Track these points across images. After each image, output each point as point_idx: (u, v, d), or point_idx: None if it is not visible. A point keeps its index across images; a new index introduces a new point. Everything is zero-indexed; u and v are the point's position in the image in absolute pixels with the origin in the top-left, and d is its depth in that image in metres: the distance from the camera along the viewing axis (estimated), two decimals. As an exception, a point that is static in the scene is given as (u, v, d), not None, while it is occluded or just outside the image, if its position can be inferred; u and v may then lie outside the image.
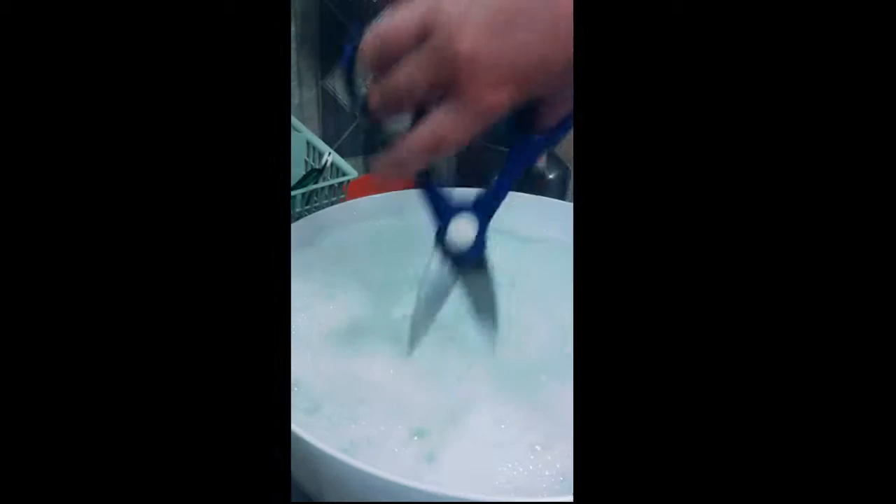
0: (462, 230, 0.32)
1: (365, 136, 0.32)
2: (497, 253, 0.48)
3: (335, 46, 0.71)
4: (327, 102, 0.73)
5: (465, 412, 0.35)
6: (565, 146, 0.74)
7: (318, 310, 0.41)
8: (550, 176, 0.57)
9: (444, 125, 0.27)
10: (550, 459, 0.32)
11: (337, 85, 0.73)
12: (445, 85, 0.27)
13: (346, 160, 0.62)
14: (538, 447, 0.33)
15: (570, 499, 0.27)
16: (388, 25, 0.28)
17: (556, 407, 0.35)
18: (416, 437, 0.33)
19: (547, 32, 0.26)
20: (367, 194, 0.51)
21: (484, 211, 0.32)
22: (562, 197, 0.58)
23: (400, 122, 0.30)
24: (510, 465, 0.32)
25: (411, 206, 0.51)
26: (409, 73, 0.27)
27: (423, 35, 0.27)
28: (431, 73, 0.27)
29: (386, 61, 0.28)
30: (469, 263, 0.33)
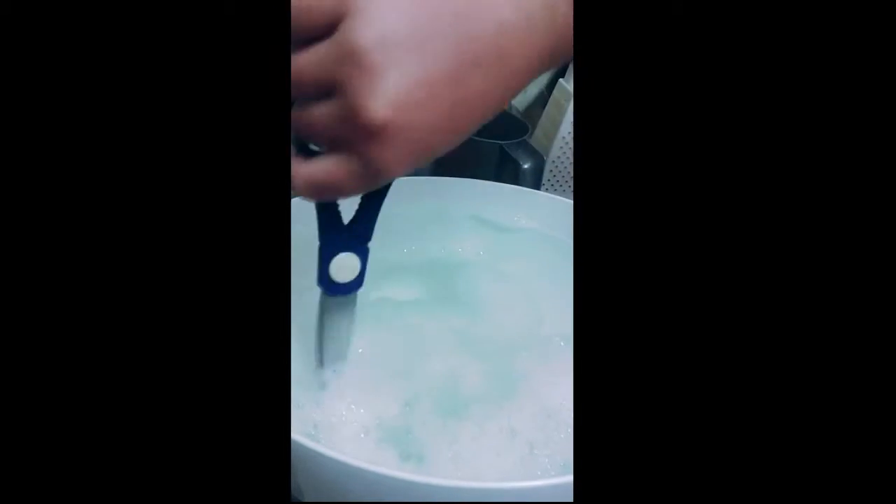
0: (345, 265, 0.31)
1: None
2: (475, 240, 0.48)
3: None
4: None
5: (435, 396, 0.34)
6: (540, 138, 0.74)
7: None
8: (525, 166, 0.57)
9: (338, 173, 0.25)
10: (530, 442, 0.32)
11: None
12: (336, 91, 0.23)
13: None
14: (514, 430, 0.33)
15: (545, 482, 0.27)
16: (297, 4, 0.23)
17: (533, 389, 0.35)
18: (380, 424, 0.33)
19: (456, 111, 0.24)
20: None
21: (364, 250, 0.32)
22: (536, 187, 0.58)
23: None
24: (484, 450, 0.32)
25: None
26: (309, 73, 0.24)
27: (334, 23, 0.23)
28: (327, 87, 0.24)
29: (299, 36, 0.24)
30: (344, 294, 0.33)
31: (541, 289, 0.44)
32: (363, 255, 0.31)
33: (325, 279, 0.31)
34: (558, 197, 0.51)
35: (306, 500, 0.31)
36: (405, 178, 0.55)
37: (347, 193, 0.26)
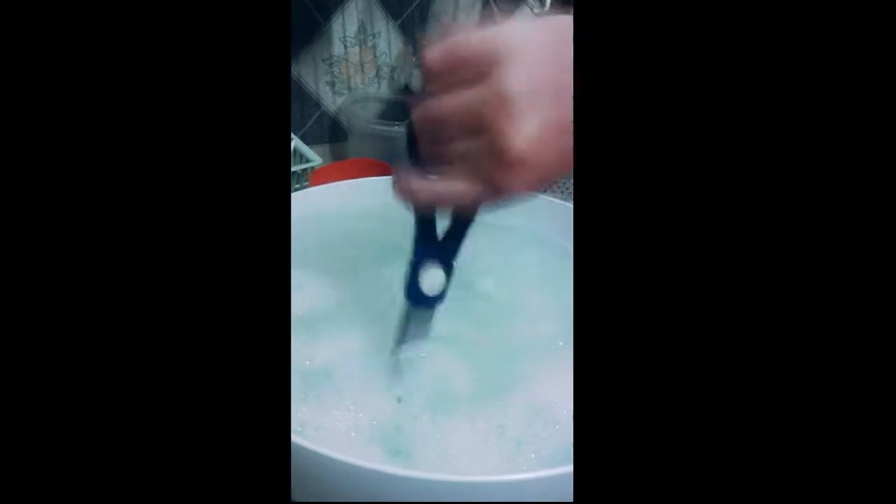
0: (433, 277, 0.34)
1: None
2: (470, 239, 0.48)
3: (300, 31, 0.70)
4: (291, 88, 0.72)
5: (424, 393, 0.35)
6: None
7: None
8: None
9: (466, 190, 0.29)
10: (517, 438, 0.33)
11: (301, 71, 0.72)
12: (480, 135, 0.28)
13: (310, 148, 0.61)
14: (501, 427, 0.33)
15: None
16: (456, 46, 0.28)
17: (521, 387, 0.35)
18: (368, 422, 0.33)
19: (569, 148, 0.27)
20: (332, 181, 0.51)
21: (450, 267, 0.34)
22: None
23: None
24: (472, 446, 0.32)
25: (375, 193, 0.52)
26: (453, 111, 0.28)
27: (482, 69, 0.27)
28: (474, 126, 0.27)
29: (442, 79, 0.28)
30: (428, 307, 0.35)
31: (535, 289, 0.44)
32: (448, 271, 0.34)
33: (413, 291, 0.34)
34: (554, 199, 0.51)
35: (296, 496, 0.31)
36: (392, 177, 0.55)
37: (470, 208, 0.32)
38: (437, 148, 0.29)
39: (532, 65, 0.27)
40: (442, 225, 0.34)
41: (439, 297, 0.34)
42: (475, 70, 0.27)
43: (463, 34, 0.28)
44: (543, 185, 0.29)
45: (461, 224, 0.33)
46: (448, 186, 0.29)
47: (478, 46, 0.27)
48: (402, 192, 0.31)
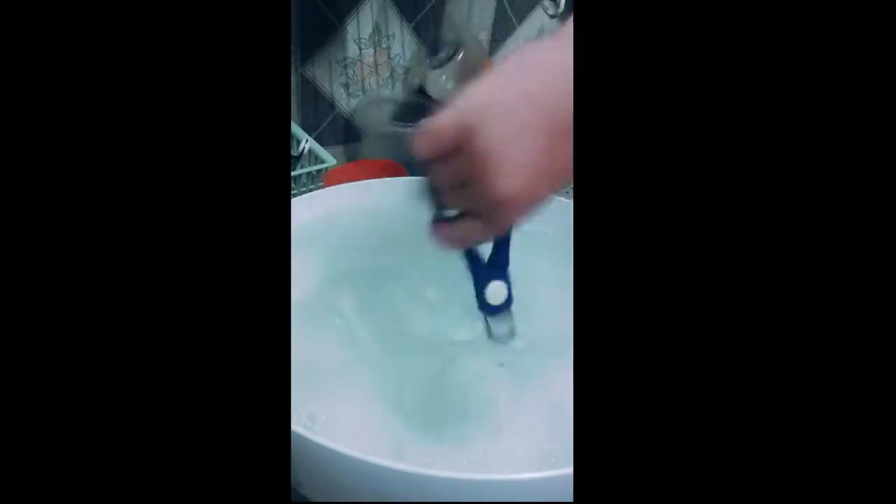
0: (497, 291, 0.39)
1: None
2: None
3: (315, 32, 0.70)
4: (306, 90, 0.73)
5: (437, 392, 0.35)
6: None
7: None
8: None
9: (474, 231, 0.35)
10: (534, 437, 0.33)
11: (316, 73, 0.72)
12: (474, 188, 0.32)
13: (325, 149, 0.62)
14: (514, 426, 0.33)
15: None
16: (431, 127, 0.32)
17: (534, 385, 0.36)
18: (378, 418, 0.33)
19: (552, 171, 0.32)
20: (346, 182, 0.52)
21: (506, 276, 0.40)
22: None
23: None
24: (486, 444, 0.32)
25: (388, 193, 0.52)
26: (448, 176, 0.34)
27: (460, 143, 0.31)
28: (467, 183, 0.32)
29: (433, 155, 0.33)
30: (500, 313, 0.41)
31: (540, 287, 0.45)
32: (506, 280, 0.40)
33: (484, 304, 0.40)
34: (557, 197, 0.51)
35: (304, 490, 0.31)
36: (405, 178, 0.56)
37: (482, 242, 0.38)
38: (449, 200, 0.35)
39: (500, 120, 0.31)
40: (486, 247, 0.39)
41: (507, 303, 0.40)
42: (456, 144, 0.32)
43: (438, 119, 0.32)
44: (538, 205, 0.34)
45: (499, 243, 0.39)
46: (466, 230, 0.35)
47: (451, 126, 0.32)
48: (441, 241, 0.36)
